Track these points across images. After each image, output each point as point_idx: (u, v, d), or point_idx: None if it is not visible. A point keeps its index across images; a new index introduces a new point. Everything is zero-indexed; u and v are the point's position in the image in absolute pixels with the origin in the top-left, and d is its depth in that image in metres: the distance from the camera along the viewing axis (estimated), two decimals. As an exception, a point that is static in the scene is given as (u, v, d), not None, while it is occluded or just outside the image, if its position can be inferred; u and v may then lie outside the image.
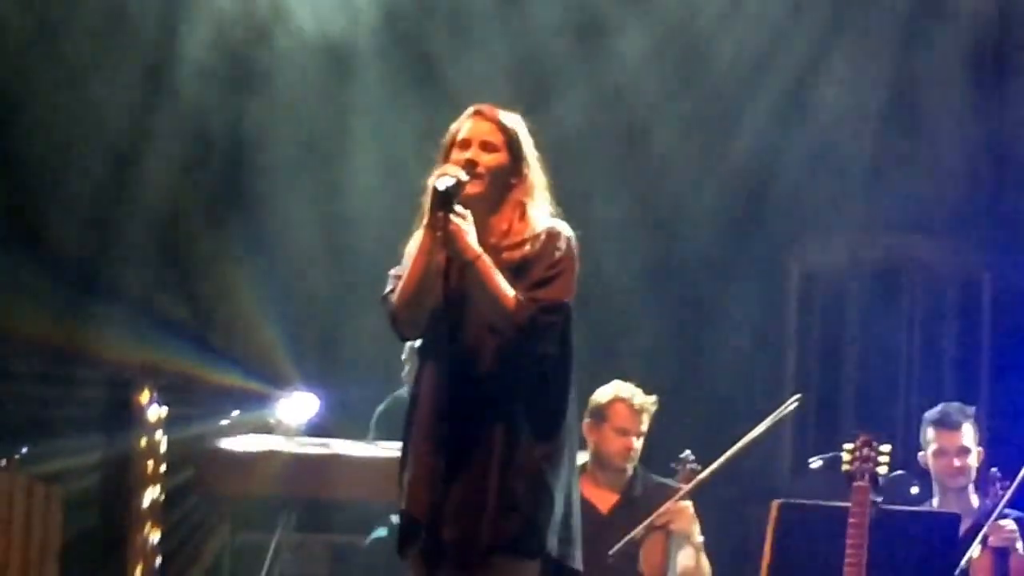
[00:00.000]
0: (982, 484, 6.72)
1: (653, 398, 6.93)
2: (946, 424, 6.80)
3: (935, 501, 6.85)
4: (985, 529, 6.43)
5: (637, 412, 6.88)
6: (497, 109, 5.01)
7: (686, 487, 6.68)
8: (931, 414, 6.90)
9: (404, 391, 7.22)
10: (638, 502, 6.81)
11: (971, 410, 6.89)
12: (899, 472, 6.69)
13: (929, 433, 6.85)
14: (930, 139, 8.95)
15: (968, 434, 6.79)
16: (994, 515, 6.44)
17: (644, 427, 6.92)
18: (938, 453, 6.80)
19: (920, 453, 6.90)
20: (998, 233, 9.03)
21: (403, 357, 7.41)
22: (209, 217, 8.94)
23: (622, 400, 6.90)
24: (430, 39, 9.01)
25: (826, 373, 9.25)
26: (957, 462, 6.77)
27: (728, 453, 6.65)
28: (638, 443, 6.93)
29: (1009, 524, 6.45)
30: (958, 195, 8.96)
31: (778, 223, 9.16)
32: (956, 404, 6.92)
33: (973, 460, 6.78)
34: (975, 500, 6.76)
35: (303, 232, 9.03)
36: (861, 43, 8.96)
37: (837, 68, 8.99)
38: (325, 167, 9.02)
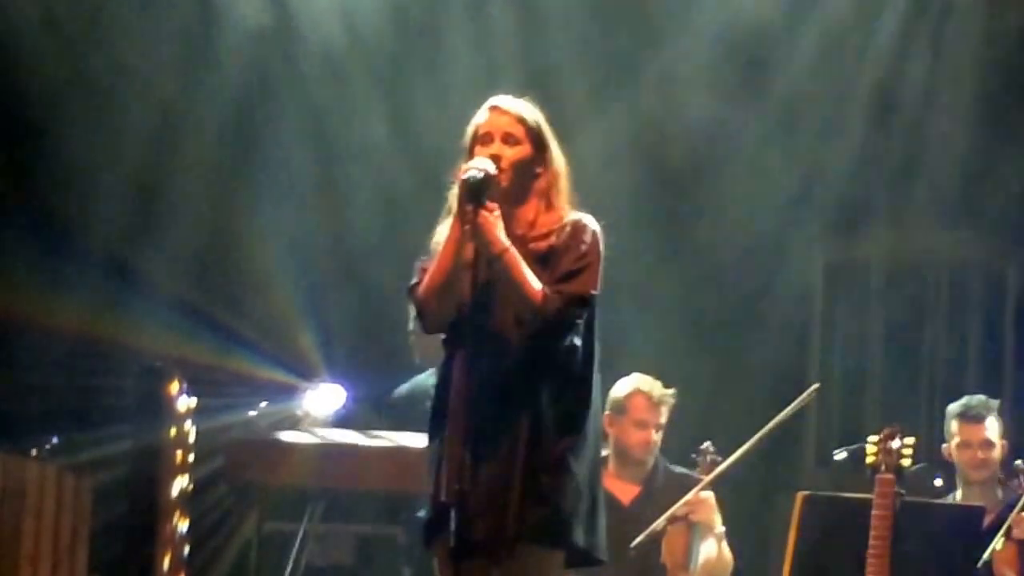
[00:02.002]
0: (1006, 477, 6.74)
1: (672, 391, 6.95)
2: (970, 417, 6.82)
3: (959, 494, 6.86)
4: (1009, 521, 6.44)
5: (656, 405, 6.90)
6: (515, 100, 5.05)
7: (707, 478, 6.71)
8: (955, 407, 6.91)
9: (423, 376, 7.24)
10: (659, 493, 6.84)
11: (995, 403, 6.90)
12: (923, 464, 6.71)
13: (953, 426, 6.86)
14: (955, 133, 8.95)
15: (992, 427, 6.81)
16: (1018, 507, 6.45)
17: (663, 419, 6.94)
18: (962, 446, 6.82)
19: (944, 445, 6.92)
20: (1024, 227, 9.04)
21: (410, 330, 7.38)
22: (239, 208, 8.97)
23: (641, 393, 6.92)
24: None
25: (851, 365, 9.25)
26: (980, 455, 6.78)
27: (748, 444, 6.69)
28: (657, 435, 6.94)
29: None
30: (983, 189, 8.96)
31: (804, 216, 9.16)
32: (980, 397, 6.94)
33: (997, 453, 6.79)
34: (999, 493, 6.77)
35: (332, 223, 9.08)
36: (887, 40, 8.99)
37: (858, 65, 9.01)
38: (357, 161, 9.06)
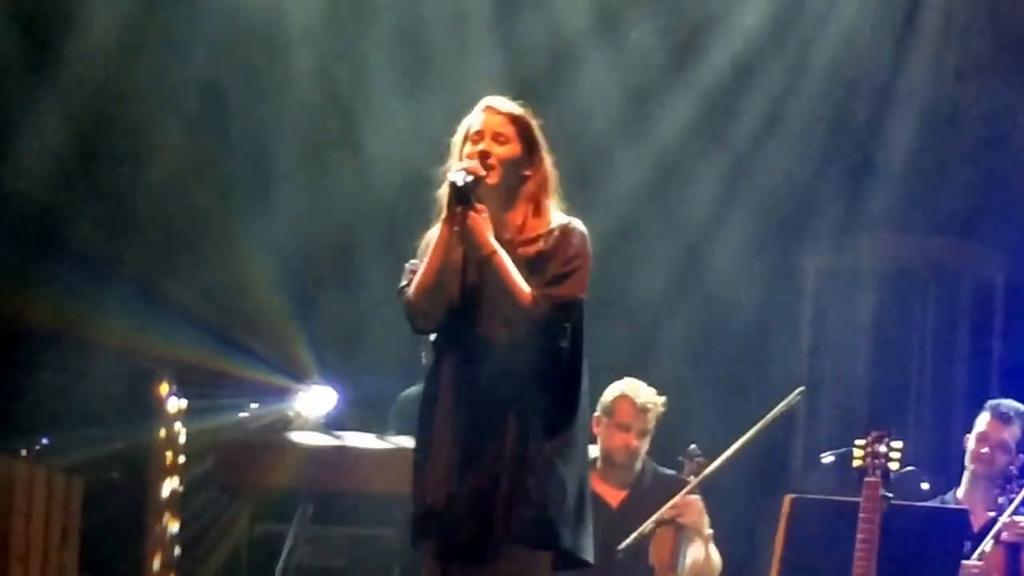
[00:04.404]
0: (1001, 481, 6.74)
1: (662, 399, 6.93)
2: (998, 414, 6.83)
3: (960, 490, 6.85)
4: (999, 524, 6.46)
5: (641, 411, 6.88)
6: (508, 102, 5.08)
7: (694, 480, 6.72)
8: (992, 402, 6.94)
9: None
10: (647, 496, 6.83)
11: None
12: (910, 468, 6.72)
13: (982, 416, 6.88)
14: (945, 140, 8.97)
15: (1014, 433, 6.81)
16: (1008, 511, 6.47)
17: (649, 426, 6.91)
18: (978, 437, 6.83)
19: (967, 435, 6.94)
20: (1012, 233, 9.05)
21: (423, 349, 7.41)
22: (228, 209, 8.98)
23: (626, 397, 6.90)
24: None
25: (839, 370, 9.26)
26: (985, 449, 6.79)
27: (734, 446, 6.70)
28: (640, 441, 6.91)
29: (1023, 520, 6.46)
30: (972, 195, 8.98)
31: (794, 222, 9.18)
32: (1018, 404, 6.95)
33: (1010, 459, 6.77)
34: (998, 498, 6.75)
35: (323, 225, 9.09)
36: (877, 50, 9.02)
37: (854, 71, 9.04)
38: (343, 160, 9.08)
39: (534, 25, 8.99)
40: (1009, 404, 6.90)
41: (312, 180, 9.08)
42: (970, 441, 6.87)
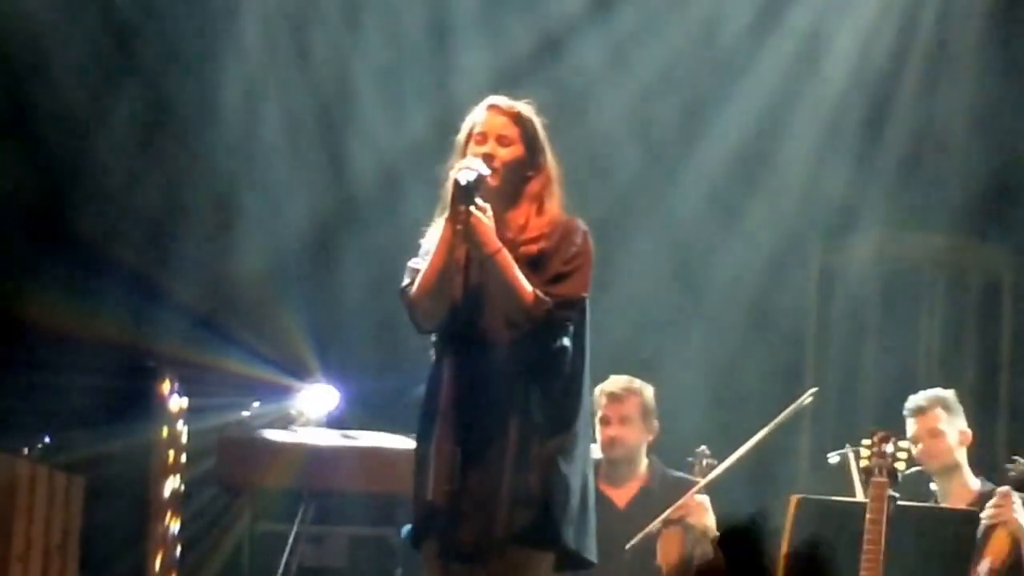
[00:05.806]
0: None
1: (639, 383, 6.83)
2: (912, 411, 6.77)
3: (936, 490, 6.80)
4: None
5: (617, 400, 6.79)
6: (513, 101, 5.05)
7: (702, 481, 6.70)
8: (906, 404, 6.86)
9: None
10: (654, 496, 6.80)
11: (946, 393, 6.81)
12: (917, 468, 6.69)
13: (907, 423, 6.83)
14: (951, 137, 8.94)
15: (940, 418, 6.72)
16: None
17: (630, 412, 6.79)
18: (912, 440, 6.77)
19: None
20: (1020, 232, 9.02)
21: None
22: (238, 209, 8.97)
23: (604, 392, 6.82)
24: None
25: (846, 370, 9.23)
26: (922, 446, 6.72)
27: (744, 447, 6.68)
28: (624, 429, 6.79)
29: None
30: (979, 193, 8.95)
31: (799, 220, 9.15)
32: (929, 391, 6.88)
33: (948, 442, 6.70)
34: (971, 481, 6.69)
35: (322, 223, 9.07)
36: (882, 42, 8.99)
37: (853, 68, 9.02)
38: (341, 158, 9.06)
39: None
40: (919, 396, 6.82)
41: (311, 175, 9.06)
42: (911, 450, 6.81)
